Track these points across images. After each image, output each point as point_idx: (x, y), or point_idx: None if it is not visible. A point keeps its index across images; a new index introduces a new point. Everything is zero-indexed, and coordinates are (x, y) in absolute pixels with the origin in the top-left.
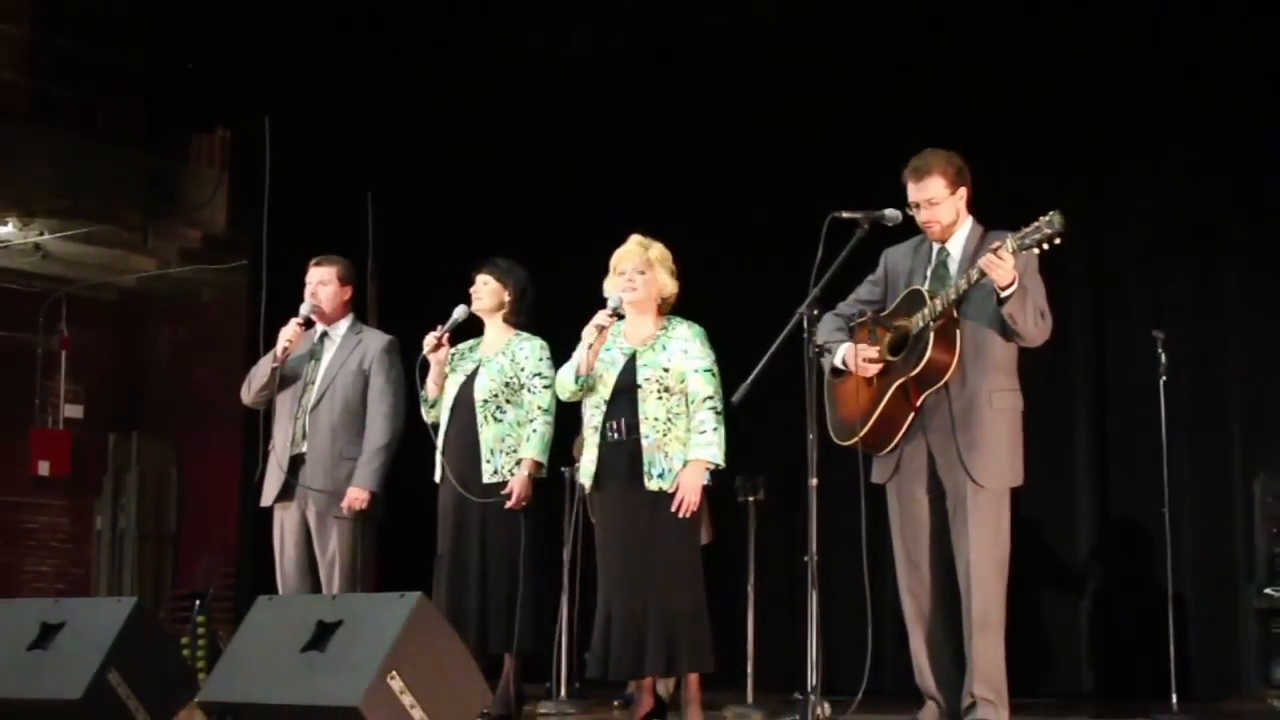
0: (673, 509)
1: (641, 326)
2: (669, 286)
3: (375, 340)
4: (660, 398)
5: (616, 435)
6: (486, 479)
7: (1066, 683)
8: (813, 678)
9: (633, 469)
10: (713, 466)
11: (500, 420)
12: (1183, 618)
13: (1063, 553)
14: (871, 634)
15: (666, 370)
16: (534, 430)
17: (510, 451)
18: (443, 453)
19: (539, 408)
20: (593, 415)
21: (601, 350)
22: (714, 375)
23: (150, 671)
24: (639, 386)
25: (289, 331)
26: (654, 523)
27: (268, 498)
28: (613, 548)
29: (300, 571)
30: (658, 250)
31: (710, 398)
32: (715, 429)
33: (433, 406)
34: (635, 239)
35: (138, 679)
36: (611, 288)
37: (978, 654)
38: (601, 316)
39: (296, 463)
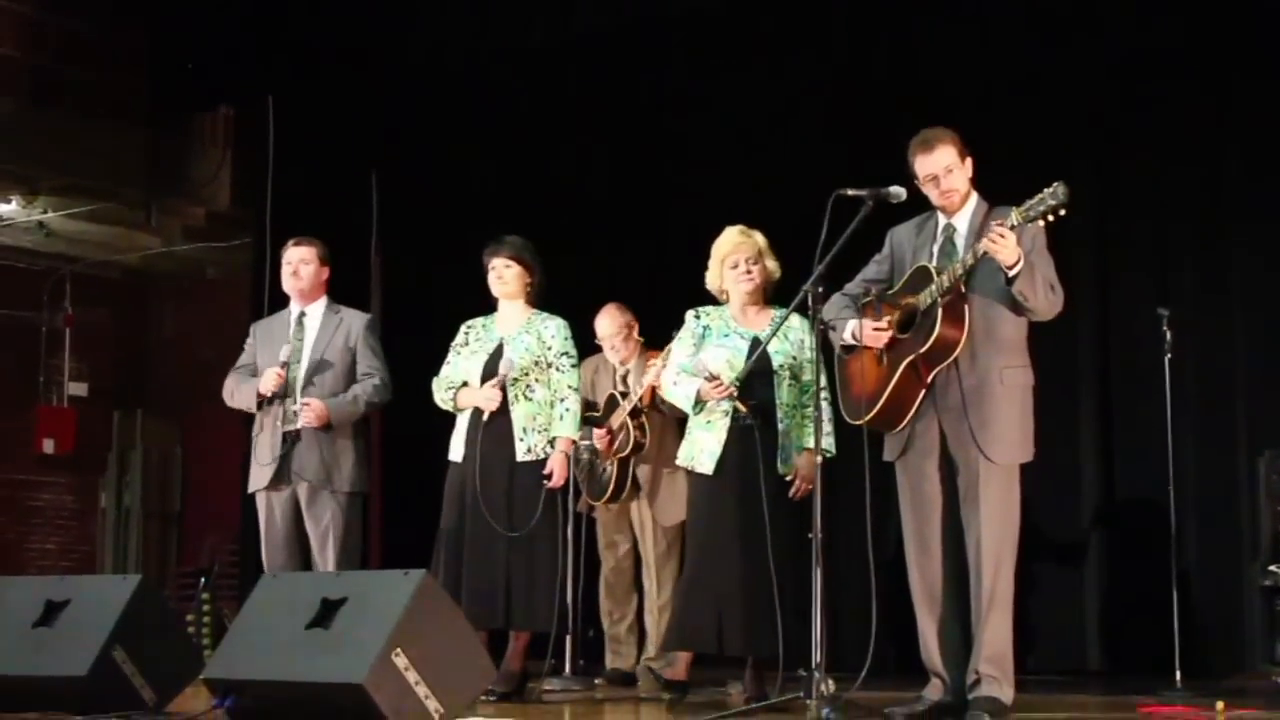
0: (791, 494)
1: (754, 314)
2: (776, 271)
3: (356, 319)
4: (791, 385)
5: (751, 420)
6: (520, 457)
7: (1071, 660)
8: (817, 655)
9: (765, 454)
10: (826, 455)
11: (530, 399)
12: (1187, 596)
13: (1067, 531)
14: (876, 611)
15: (794, 359)
16: (566, 409)
17: (542, 430)
18: (469, 441)
19: (569, 386)
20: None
21: (718, 336)
22: (825, 367)
23: (155, 649)
24: (774, 373)
25: (271, 383)
26: (778, 507)
27: (259, 482)
28: (733, 530)
29: (289, 552)
30: (761, 237)
31: (824, 389)
32: (831, 419)
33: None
34: (737, 229)
35: (143, 656)
36: (720, 280)
37: (986, 631)
38: (722, 392)
39: (290, 438)
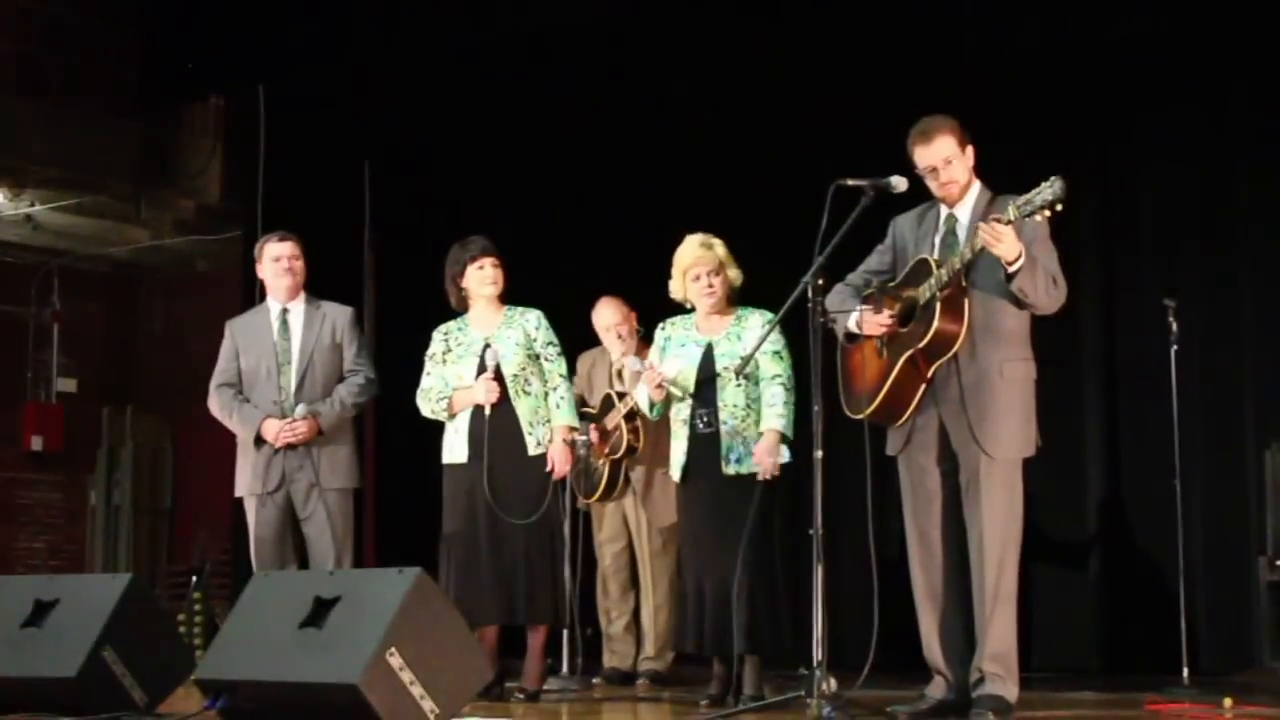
0: (760, 476)
1: (716, 320)
2: (739, 278)
3: (340, 312)
4: (739, 385)
5: (706, 425)
6: (532, 451)
7: (1076, 656)
8: (819, 652)
9: (716, 456)
10: (784, 437)
11: (529, 394)
12: (1194, 591)
13: (1073, 525)
14: (878, 608)
15: (742, 359)
16: (561, 398)
17: (545, 422)
18: (473, 440)
19: (559, 375)
20: (679, 409)
21: (676, 346)
22: (783, 357)
23: (146, 649)
24: (718, 375)
25: (273, 436)
26: (735, 506)
27: (249, 487)
28: (701, 534)
29: (279, 555)
30: (721, 247)
31: (778, 375)
32: (785, 402)
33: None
34: (697, 240)
35: (133, 656)
36: (683, 291)
37: (989, 628)
38: (653, 377)
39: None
